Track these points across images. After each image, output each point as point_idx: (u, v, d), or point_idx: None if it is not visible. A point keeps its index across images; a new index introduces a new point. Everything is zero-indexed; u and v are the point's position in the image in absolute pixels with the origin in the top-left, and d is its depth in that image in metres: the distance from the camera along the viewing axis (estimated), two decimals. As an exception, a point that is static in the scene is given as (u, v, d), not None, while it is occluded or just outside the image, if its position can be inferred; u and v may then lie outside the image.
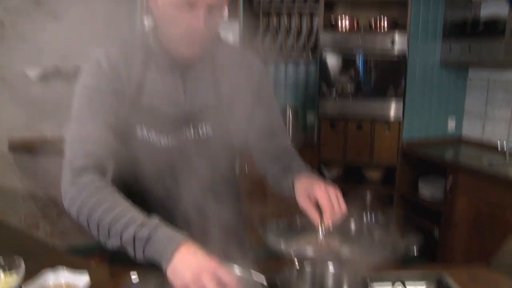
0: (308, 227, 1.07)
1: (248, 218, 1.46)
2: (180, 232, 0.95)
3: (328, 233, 1.02)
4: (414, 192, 3.45)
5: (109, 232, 0.98)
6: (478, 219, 2.83)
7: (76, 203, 1.04)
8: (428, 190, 3.32)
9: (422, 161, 3.39)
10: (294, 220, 1.14)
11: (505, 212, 2.64)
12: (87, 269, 1.32)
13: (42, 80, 3.37)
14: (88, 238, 3.47)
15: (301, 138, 3.80)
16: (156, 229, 0.95)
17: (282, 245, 0.96)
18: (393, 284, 1.25)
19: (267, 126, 1.34)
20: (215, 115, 1.23)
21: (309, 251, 0.95)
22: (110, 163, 1.12)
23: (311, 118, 3.90)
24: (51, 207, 3.61)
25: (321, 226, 1.01)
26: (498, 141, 3.19)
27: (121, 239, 0.96)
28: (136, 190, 1.22)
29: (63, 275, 1.18)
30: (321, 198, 1.04)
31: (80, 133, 1.10)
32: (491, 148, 3.31)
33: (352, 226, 1.12)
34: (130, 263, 1.32)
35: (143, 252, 0.94)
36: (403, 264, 3.50)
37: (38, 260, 1.42)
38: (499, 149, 3.15)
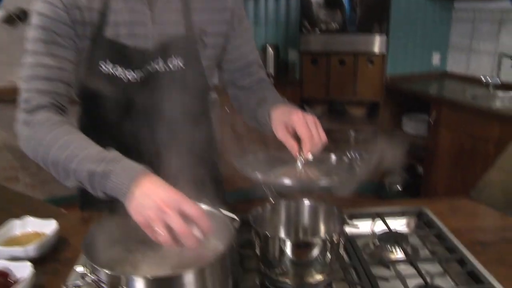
0: (286, 160, 1.02)
1: (224, 154, 1.40)
2: (140, 164, 0.86)
3: (307, 164, 0.97)
4: (398, 128, 3.43)
5: (65, 170, 0.90)
6: (461, 153, 2.83)
7: (31, 143, 0.97)
8: (412, 126, 3.31)
9: (406, 96, 3.34)
10: (272, 154, 1.08)
11: (487, 145, 2.63)
12: (57, 217, 1.27)
13: (6, 22, 3.19)
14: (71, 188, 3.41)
15: (282, 77, 3.71)
16: (112, 163, 0.86)
17: (259, 177, 0.90)
18: (373, 220, 1.23)
19: (242, 57, 1.26)
20: (186, 47, 1.15)
21: (288, 181, 0.89)
22: (68, 101, 1.04)
23: (292, 55, 3.79)
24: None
25: (300, 157, 0.96)
26: (482, 76, 3.14)
27: (78, 177, 0.88)
28: (102, 130, 1.16)
29: (30, 223, 1.13)
30: (299, 127, 0.97)
31: (36, 68, 1.00)
32: (475, 82, 3.27)
33: (333, 158, 1.07)
34: (105, 208, 1.28)
35: (102, 189, 0.86)
36: (387, 200, 3.53)
37: (10, 211, 1.37)
38: (483, 83, 3.11)
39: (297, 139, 0.99)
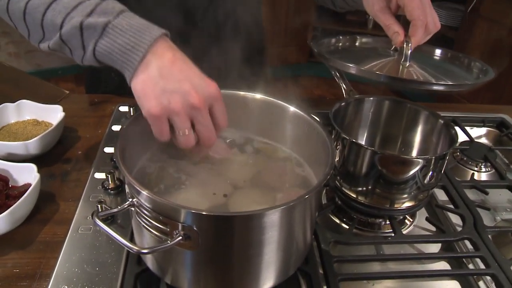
0: (378, 49, 0.76)
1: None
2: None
3: (412, 56, 0.69)
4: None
5: (42, 20, 0.58)
6: (496, 49, 2.55)
7: None
8: (442, 15, 2.96)
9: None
10: (355, 39, 0.81)
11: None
12: (61, 99, 1.03)
13: None
14: (62, 58, 3.09)
15: None
16: (118, 15, 0.56)
17: (352, 68, 0.64)
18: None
19: None
20: None
21: (386, 78, 0.64)
22: None
23: None
24: (12, 22, 3.14)
25: (406, 45, 0.68)
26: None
27: (61, 29, 0.57)
28: None
29: (29, 109, 0.88)
30: (411, 6, 0.68)
31: None
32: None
33: (438, 52, 0.81)
34: (115, 89, 1.03)
35: (94, 48, 0.56)
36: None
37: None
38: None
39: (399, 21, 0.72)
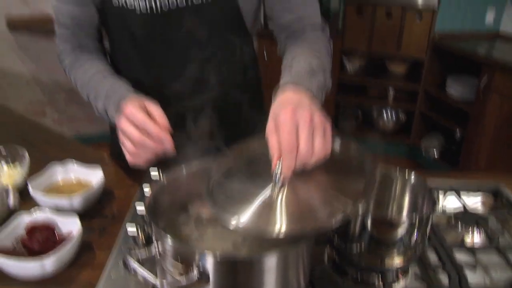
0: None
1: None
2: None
3: (286, 186, 0.65)
4: (441, 90, 3.23)
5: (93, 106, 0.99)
6: (510, 123, 2.64)
7: (70, 77, 1.08)
8: (457, 89, 3.10)
9: (454, 56, 3.11)
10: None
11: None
12: (99, 163, 1.18)
13: None
14: (99, 125, 3.33)
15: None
16: (108, 98, 0.93)
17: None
18: (444, 194, 1.11)
19: None
20: None
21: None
22: (90, 37, 1.07)
23: (335, 2, 3.55)
24: (58, 92, 3.44)
25: (276, 174, 0.63)
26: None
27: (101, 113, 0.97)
28: (125, 70, 1.09)
29: (73, 169, 1.04)
30: (282, 131, 0.63)
31: (57, 13, 1.03)
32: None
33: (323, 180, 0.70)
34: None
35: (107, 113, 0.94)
36: (423, 168, 3.32)
37: (45, 150, 1.29)
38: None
39: None
